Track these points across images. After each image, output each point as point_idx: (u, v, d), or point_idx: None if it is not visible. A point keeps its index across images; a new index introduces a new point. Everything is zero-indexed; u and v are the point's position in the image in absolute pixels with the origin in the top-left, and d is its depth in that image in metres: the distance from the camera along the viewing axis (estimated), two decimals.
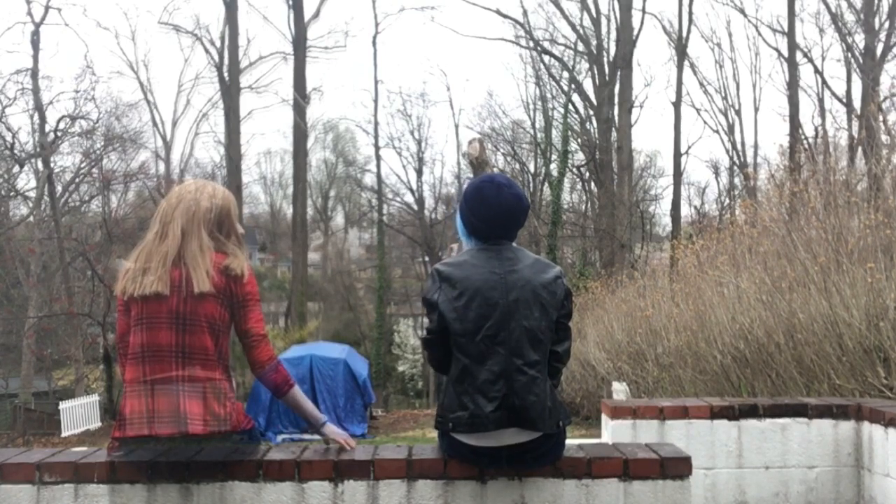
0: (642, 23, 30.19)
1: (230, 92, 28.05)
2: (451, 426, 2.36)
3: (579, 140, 27.48)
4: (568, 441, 2.50)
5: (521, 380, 2.32)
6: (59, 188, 26.17)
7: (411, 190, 36.53)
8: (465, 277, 2.39)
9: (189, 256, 2.44)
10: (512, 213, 2.47)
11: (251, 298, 2.50)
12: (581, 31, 26.76)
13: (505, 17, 27.16)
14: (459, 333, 2.35)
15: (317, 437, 2.66)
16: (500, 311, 2.35)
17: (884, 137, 6.66)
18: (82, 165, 27.02)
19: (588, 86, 27.04)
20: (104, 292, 20.38)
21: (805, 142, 15.74)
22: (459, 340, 2.36)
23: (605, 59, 25.36)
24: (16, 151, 25.09)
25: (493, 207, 2.45)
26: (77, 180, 27.50)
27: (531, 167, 33.02)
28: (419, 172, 36.51)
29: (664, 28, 31.56)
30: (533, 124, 32.27)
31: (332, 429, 2.60)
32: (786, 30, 24.81)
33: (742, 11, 31.46)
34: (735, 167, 28.59)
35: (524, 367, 2.33)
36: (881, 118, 7.42)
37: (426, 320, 2.50)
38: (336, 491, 2.43)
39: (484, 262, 2.43)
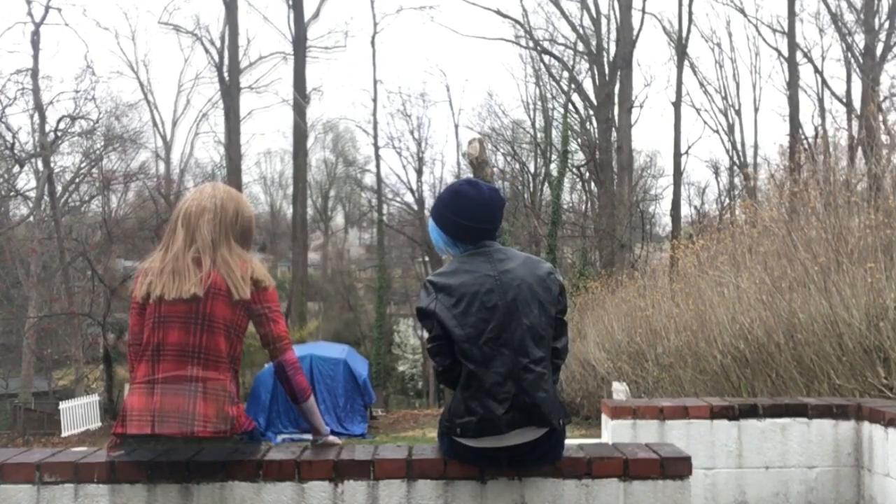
0: (642, 23, 30.22)
1: (230, 92, 28.06)
2: (459, 431, 2.35)
3: (579, 140, 27.47)
4: (568, 441, 2.50)
5: (528, 377, 2.32)
6: (59, 188, 26.16)
7: (411, 190, 36.61)
8: (461, 284, 2.38)
9: (221, 262, 2.47)
10: (495, 206, 2.51)
11: (276, 306, 2.56)
12: (581, 31, 26.75)
13: (505, 16, 27.14)
14: (462, 339, 2.34)
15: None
16: (500, 312, 2.34)
17: (884, 137, 6.66)
18: (82, 165, 27.05)
19: (588, 86, 27.04)
20: (104, 292, 20.36)
21: (805, 142, 15.72)
22: (462, 346, 2.34)
23: (605, 59, 25.33)
24: (16, 151, 25.04)
25: (476, 203, 2.47)
26: (77, 180, 27.51)
27: (531, 167, 33.03)
28: (419, 172, 36.61)
29: (664, 28, 31.62)
30: (533, 124, 32.31)
31: (332, 439, 2.68)
32: (786, 30, 24.84)
33: (742, 11, 31.50)
34: (735, 167, 28.59)
35: (530, 364, 2.33)
36: (881, 118, 7.42)
37: (426, 333, 2.50)
38: (336, 491, 2.43)
39: (476, 266, 2.42)
